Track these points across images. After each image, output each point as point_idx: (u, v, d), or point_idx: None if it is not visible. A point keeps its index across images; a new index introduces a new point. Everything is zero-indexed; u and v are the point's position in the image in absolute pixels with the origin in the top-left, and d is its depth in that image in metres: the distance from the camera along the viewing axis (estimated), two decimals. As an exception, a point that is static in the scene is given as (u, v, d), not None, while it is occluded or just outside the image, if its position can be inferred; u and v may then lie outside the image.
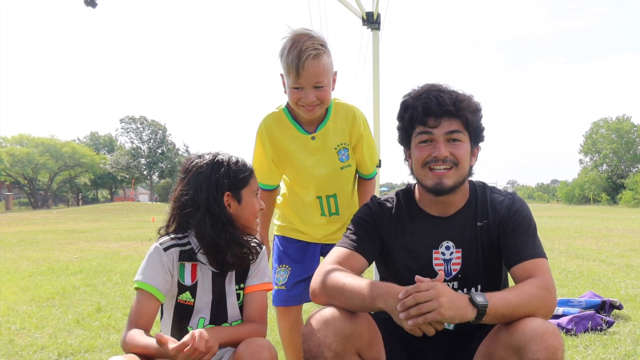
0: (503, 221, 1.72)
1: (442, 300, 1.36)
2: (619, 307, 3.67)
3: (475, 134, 1.72)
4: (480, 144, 1.78)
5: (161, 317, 1.79)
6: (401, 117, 1.73)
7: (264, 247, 1.86)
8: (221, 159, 1.76)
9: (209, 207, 1.69)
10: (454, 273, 1.74)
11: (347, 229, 1.82)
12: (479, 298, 1.42)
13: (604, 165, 60.88)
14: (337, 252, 1.72)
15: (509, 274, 1.75)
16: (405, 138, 1.76)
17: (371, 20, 8.79)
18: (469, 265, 1.74)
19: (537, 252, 1.65)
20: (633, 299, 4.15)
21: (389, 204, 1.83)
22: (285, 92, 2.05)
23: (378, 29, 8.90)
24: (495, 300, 1.44)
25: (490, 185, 1.86)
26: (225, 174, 1.73)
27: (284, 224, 2.40)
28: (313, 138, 2.14)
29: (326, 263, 1.68)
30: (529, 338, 1.40)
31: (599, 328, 3.21)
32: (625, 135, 58.30)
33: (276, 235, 2.42)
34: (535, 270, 1.61)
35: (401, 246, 1.78)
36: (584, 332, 3.17)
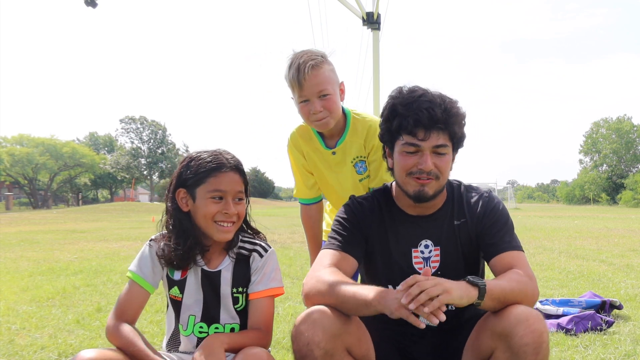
0: (480, 219, 1.77)
1: (447, 285, 1.40)
2: (619, 307, 3.67)
3: (458, 143, 1.75)
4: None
5: (167, 309, 1.82)
6: (388, 120, 1.72)
7: (269, 250, 1.78)
8: (191, 154, 1.73)
9: (167, 201, 1.72)
10: (433, 271, 1.77)
11: (332, 229, 1.81)
12: (476, 279, 1.48)
13: (604, 165, 60.87)
14: (328, 255, 1.72)
15: (485, 271, 1.78)
16: (389, 140, 1.76)
17: (371, 21, 8.79)
18: (448, 263, 1.78)
19: (514, 245, 1.71)
20: (633, 299, 4.15)
21: (368, 203, 1.85)
22: (298, 112, 2.07)
23: (378, 29, 8.89)
24: (490, 283, 1.50)
25: (466, 183, 1.90)
26: (183, 170, 1.70)
27: (328, 230, 2.43)
28: (334, 153, 2.17)
29: (320, 266, 1.69)
30: (514, 323, 1.43)
31: (599, 328, 3.20)
32: (625, 135, 58.28)
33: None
34: (514, 261, 1.66)
35: (382, 245, 1.80)
36: (584, 332, 3.17)
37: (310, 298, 1.62)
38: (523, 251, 1.72)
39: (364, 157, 2.18)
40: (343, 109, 2.12)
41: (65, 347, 2.94)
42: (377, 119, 2.15)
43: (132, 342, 1.57)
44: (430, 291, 1.37)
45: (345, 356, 1.51)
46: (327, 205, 2.51)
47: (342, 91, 2.08)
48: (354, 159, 2.18)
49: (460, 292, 1.42)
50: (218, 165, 1.66)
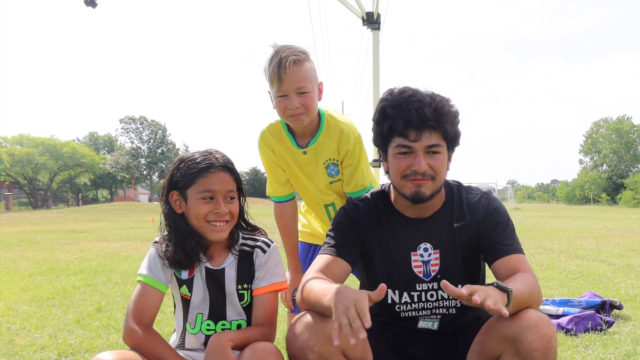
0: (481, 221, 1.75)
1: (492, 293, 1.36)
2: (619, 307, 3.67)
3: (453, 142, 1.74)
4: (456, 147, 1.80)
5: (175, 310, 1.82)
6: (379, 123, 1.71)
7: (272, 245, 1.80)
8: (182, 156, 1.74)
9: (162, 203, 1.73)
10: (433, 274, 1.76)
11: (327, 234, 1.82)
12: (503, 284, 1.44)
13: (604, 165, 60.88)
14: (319, 260, 1.74)
15: (486, 273, 1.77)
16: (382, 144, 1.75)
17: (371, 20, 8.79)
18: (448, 265, 1.76)
19: (517, 247, 1.70)
20: (633, 299, 4.15)
21: (365, 206, 1.83)
22: (273, 107, 2.05)
23: (378, 29, 8.90)
24: (514, 288, 1.45)
25: (465, 184, 1.88)
26: (174, 172, 1.71)
27: (305, 230, 2.43)
28: (305, 153, 2.15)
29: (309, 272, 1.70)
30: (524, 328, 1.42)
31: (599, 328, 3.20)
32: (625, 135, 58.30)
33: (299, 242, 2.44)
34: (520, 265, 1.65)
35: (380, 249, 1.79)
36: (584, 332, 3.17)
37: (299, 305, 1.65)
38: (524, 254, 1.72)
39: (337, 161, 2.16)
40: (318, 110, 2.11)
41: (65, 347, 2.94)
42: (350, 123, 2.16)
43: (156, 345, 1.59)
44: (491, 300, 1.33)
45: (341, 359, 1.51)
46: (302, 206, 2.50)
47: (320, 91, 2.06)
48: (326, 161, 2.16)
49: (497, 297, 1.38)
50: (207, 166, 1.67)
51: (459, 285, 1.75)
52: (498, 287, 1.43)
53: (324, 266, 1.70)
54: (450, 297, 1.77)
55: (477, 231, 1.75)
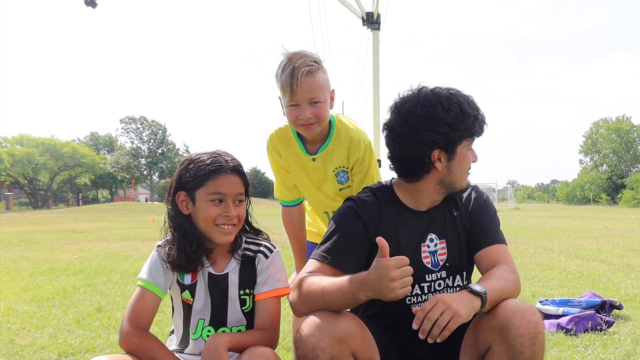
0: (472, 212, 1.83)
1: (454, 306, 1.41)
2: (619, 307, 3.67)
3: None
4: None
5: (172, 313, 1.81)
6: (462, 121, 1.68)
7: (274, 250, 1.77)
8: (191, 156, 1.72)
9: (167, 204, 1.71)
10: (441, 263, 1.79)
11: (328, 230, 1.76)
12: (477, 287, 1.49)
13: (604, 165, 60.92)
14: (312, 267, 1.68)
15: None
16: (448, 143, 1.70)
17: (371, 20, 8.79)
18: (454, 253, 1.81)
19: (499, 238, 1.78)
20: (633, 299, 4.15)
21: (372, 200, 1.81)
22: (284, 114, 2.03)
23: (378, 29, 8.90)
24: (487, 287, 1.51)
25: None
26: (183, 172, 1.69)
27: (312, 230, 2.42)
28: (314, 159, 2.13)
29: (302, 273, 1.67)
30: (509, 315, 1.45)
31: (599, 328, 3.21)
32: (625, 135, 58.36)
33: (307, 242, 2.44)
34: (499, 256, 1.72)
35: (391, 242, 1.77)
36: (584, 332, 3.17)
37: (296, 309, 1.62)
38: (506, 244, 1.79)
39: (347, 168, 2.15)
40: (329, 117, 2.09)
41: (65, 347, 2.95)
42: (360, 129, 2.14)
43: (153, 348, 1.58)
44: (440, 322, 1.39)
45: None
46: (307, 204, 2.47)
47: (332, 99, 2.04)
48: (336, 169, 2.14)
49: (466, 309, 1.42)
50: (217, 168, 1.65)
51: (464, 273, 1.83)
52: (471, 292, 1.47)
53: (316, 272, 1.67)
54: (456, 285, 1.81)
55: (469, 221, 1.82)
